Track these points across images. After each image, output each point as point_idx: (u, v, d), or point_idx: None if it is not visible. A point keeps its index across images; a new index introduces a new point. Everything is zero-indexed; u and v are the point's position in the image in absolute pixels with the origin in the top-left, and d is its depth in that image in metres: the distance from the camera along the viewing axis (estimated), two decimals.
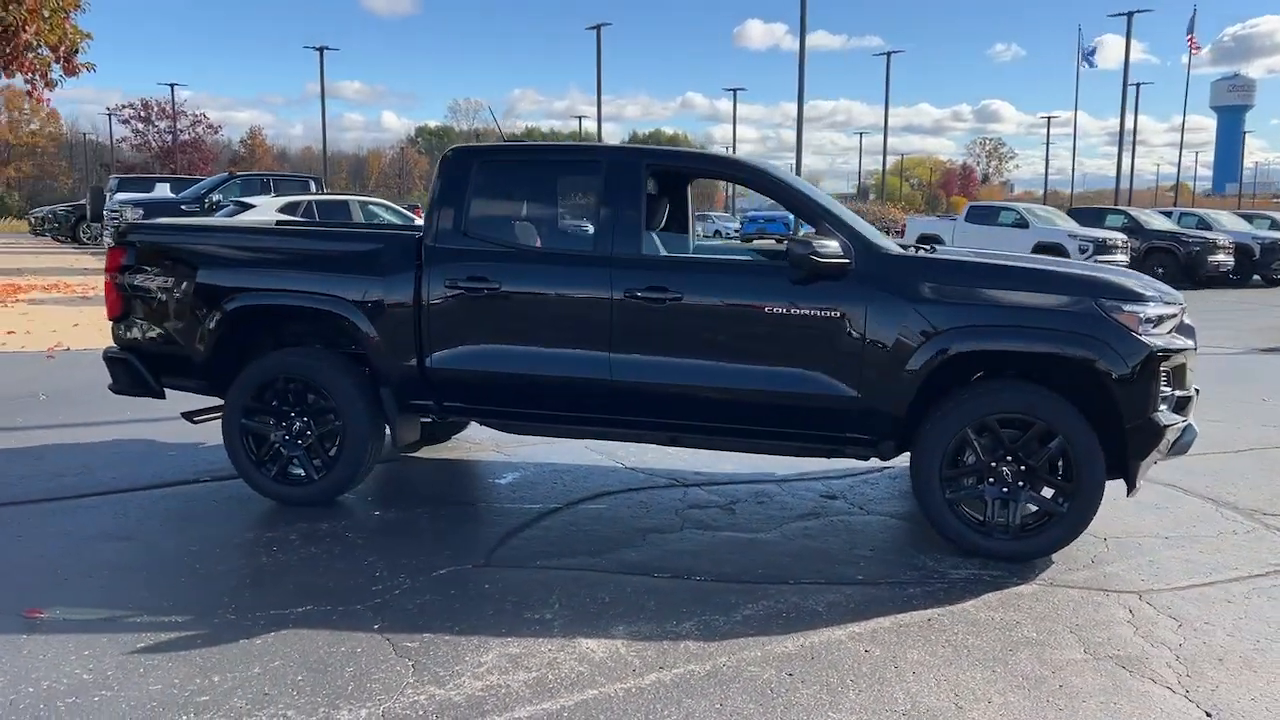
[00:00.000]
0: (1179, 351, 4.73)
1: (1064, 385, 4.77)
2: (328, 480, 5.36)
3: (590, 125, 48.40)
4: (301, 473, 5.41)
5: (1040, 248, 22.23)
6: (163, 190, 23.98)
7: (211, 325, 5.37)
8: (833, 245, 4.76)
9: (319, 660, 3.64)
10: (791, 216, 31.54)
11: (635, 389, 5.03)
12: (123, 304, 5.58)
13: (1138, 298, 4.69)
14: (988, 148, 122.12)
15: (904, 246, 5.83)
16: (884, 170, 52.86)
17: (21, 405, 7.90)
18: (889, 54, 50.24)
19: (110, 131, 78.77)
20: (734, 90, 68.04)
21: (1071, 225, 23.52)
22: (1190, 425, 4.83)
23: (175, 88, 71.20)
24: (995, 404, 4.71)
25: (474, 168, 5.29)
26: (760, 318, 4.88)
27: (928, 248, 5.68)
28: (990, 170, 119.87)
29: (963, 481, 4.78)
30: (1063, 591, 4.43)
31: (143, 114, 76.29)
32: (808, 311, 4.81)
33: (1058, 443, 4.62)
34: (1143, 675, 3.63)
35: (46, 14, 9.98)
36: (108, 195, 24.79)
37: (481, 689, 3.45)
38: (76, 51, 10.96)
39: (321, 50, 52.84)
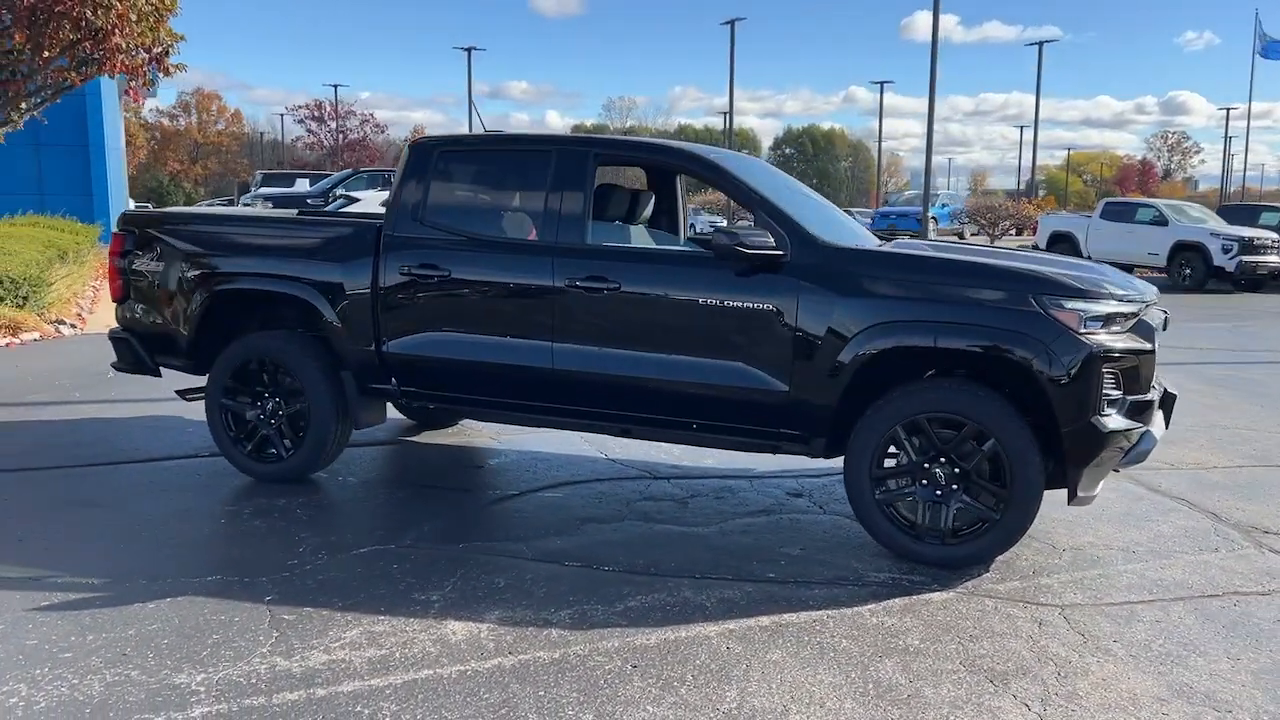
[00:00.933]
0: (1132, 353, 4.42)
1: (1012, 386, 4.53)
2: (296, 458, 5.57)
3: (745, 121, 48.12)
4: (274, 450, 5.64)
5: (1179, 247, 20.96)
6: (301, 185, 25.29)
7: (192, 307, 5.66)
8: (763, 237, 4.65)
9: (194, 626, 3.81)
10: (920, 213, 30.77)
11: (576, 378, 5.03)
12: (123, 287, 5.95)
13: (1082, 294, 4.40)
14: (1170, 141, 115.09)
15: (883, 239, 5.66)
16: (1034, 164, 50.48)
17: (87, 381, 8.49)
18: (1040, 44, 47.78)
19: (282, 130, 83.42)
20: (880, 83, 66.63)
21: (1216, 223, 22.01)
22: (1148, 432, 4.50)
23: (339, 88, 75.13)
24: (924, 403, 4.50)
25: (434, 157, 5.40)
26: (695, 309, 4.80)
27: (887, 240, 5.48)
28: (1173, 165, 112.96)
29: (893, 482, 4.60)
30: (979, 600, 4.21)
31: (315, 114, 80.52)
32: (741, 304, 4.71)
33: (990, 445, 4.39)
34: (1006, 691, 3.43)
35: (134, 18, 10.75)
36: (251, 189, 26.37)
37: (324, 663, 3.54)
38: (168, 54, 11.74)
39: (469, 50, 54.58)
